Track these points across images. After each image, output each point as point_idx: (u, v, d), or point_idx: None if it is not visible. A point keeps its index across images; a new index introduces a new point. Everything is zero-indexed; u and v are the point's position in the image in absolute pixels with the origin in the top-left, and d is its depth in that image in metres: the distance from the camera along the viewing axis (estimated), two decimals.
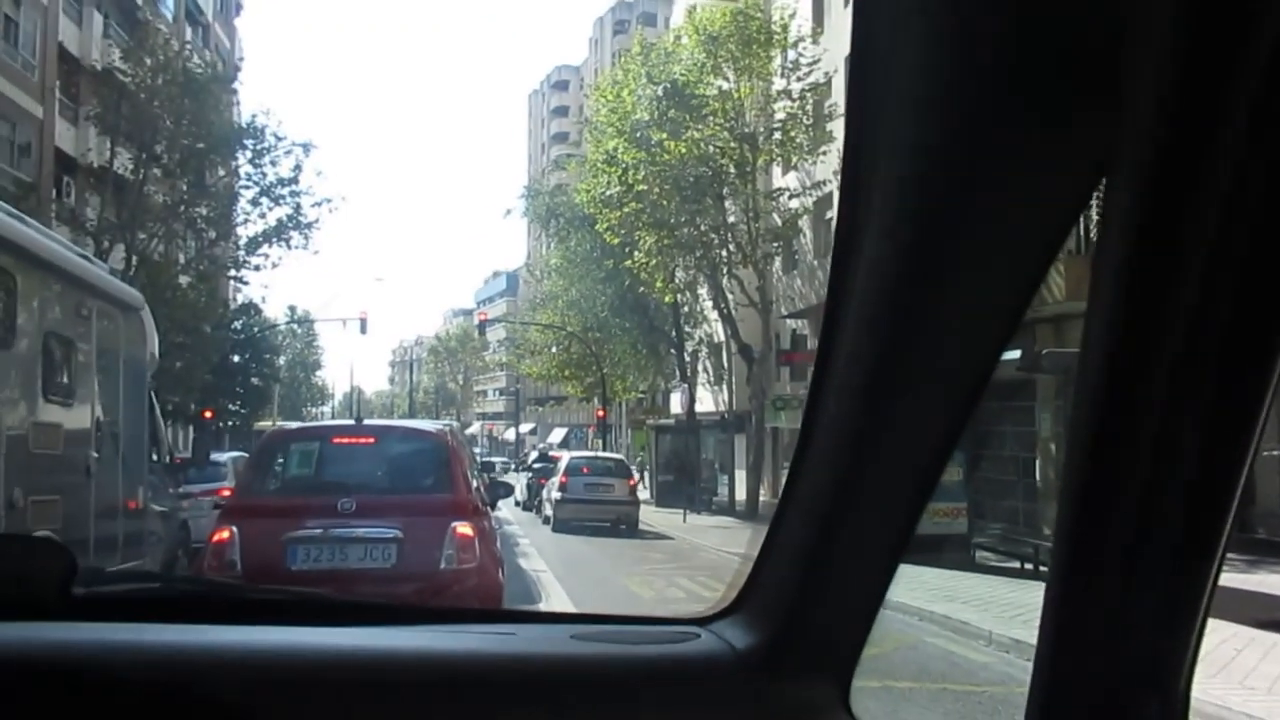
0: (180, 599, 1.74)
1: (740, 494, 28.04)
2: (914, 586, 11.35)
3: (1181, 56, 0.73)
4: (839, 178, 1.09)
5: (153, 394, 9.33)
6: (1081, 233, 1.05)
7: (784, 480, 1.37)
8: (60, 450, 6.88)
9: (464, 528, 6.15)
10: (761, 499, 26.37)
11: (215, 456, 14.43)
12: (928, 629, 9.54)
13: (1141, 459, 0.85)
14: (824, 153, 23.57)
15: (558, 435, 65.58)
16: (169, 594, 1.86)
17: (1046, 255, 0.97)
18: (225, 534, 6.02)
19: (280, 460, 7.05)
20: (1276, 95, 0.70)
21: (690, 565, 15.48)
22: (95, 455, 7.36)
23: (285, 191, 28.46)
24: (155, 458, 9.65)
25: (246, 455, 12.83)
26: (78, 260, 7.30)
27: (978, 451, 14.90)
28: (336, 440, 7.20)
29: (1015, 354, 11.47)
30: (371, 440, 7.12)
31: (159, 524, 9.09)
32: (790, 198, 25.22)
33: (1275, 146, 0.72)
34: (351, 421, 8.29)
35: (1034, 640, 0.95)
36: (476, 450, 40.78)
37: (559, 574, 13.48)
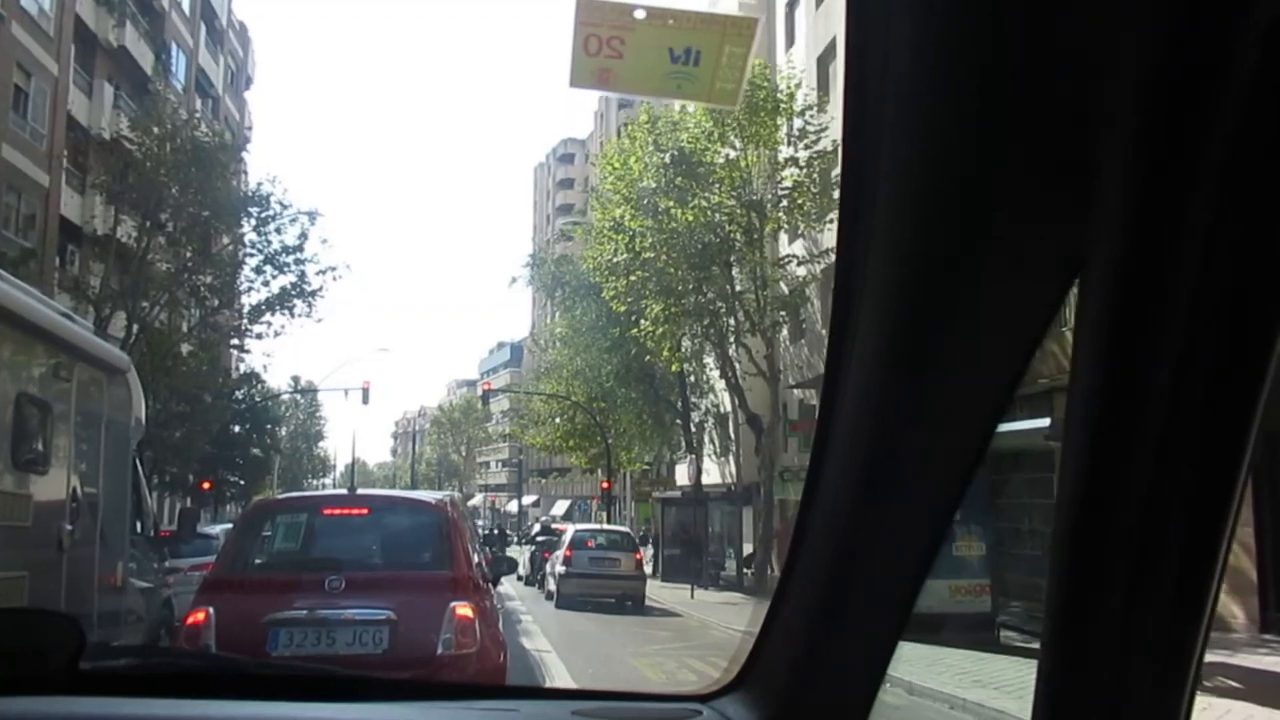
0: (185, 674, 1.75)
1: (748, 567, 27.27)
2: (940, 670, 10.73)
3: (1147, 163, 0.80)
4: (835, 263, 1.14)
5: (138, 462, 8.83)
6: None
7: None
8: (29, 523, 6.38)
9: (464, 608, 5.62)
10: (771, 573, 25.60)
11: (206, 529, 13.85)
12: (961, 719, 8.89)
13: (1125, 536, 0.88)
14: (831, 220, 23.34)
15: (561, 507, 64.69)
16: (174, 669, 1.87)
17: (1034, 335, 1.01)
18: (201, 615, 5.49)
19: (266, 533, 6.54)
20: (1233, 197, 0.78)
21: (701, 644, 14.80)
22: (69, 528, 6.86)
23: (290, 259, 28.36)
24: (139, 530, 9.13)
25: None
26: (57, 319, 6.86)
27: (1001, 525, 14.32)
28: (327, 511, 6.69)
29: (1045, 422, 11.05)
30: (365, 511, 6.61)
31: (139, 602, 8.53)
32: (798, 265, 24.97)
33: (1234, 241, 0.79)
34: (344, 491, 7.79)
35: None
36: (480, 523, 40.02)
37: (563, 654, 12.82)
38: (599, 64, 1.15)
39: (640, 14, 1.14)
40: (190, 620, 5.56)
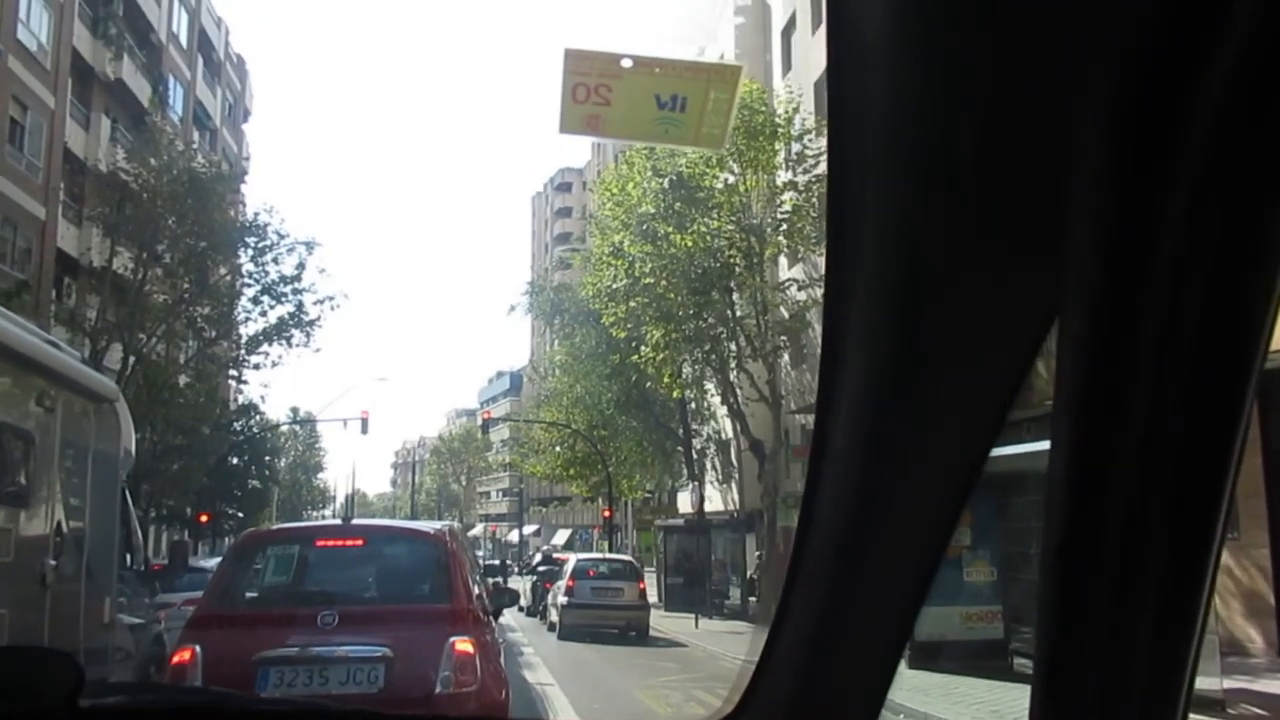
0: (184, 711, 1.76)
1: (751, 595, 26.91)
2: (955, 700, 10.45)
3: (1117, 200, 0.82)
4: (824, 288, 1.17)
5: (127, 494, 8.59)
6: None
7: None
8: (10, 558, 6.13)
9: (464, 643, 5.36)
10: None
11: (199, 562, 13.56)
12: None
13: (1111, 558, 0.88)
14: None
15: (562, 536, 64.17)
16: (172, 705, 1.89)
17: (1022, 361, 1.03)
18: (187, 655, 5.23)
19: (256, 566, 6.29)
20: (1197, 243, 0.80)
21: (707, 675, 14.48)
22: (53, 563, 6.60)
23: (287, 289, 28.22)
24: (129, 564, 8.87)
25: None
26: (40, 346, 6.60)
27: (1010, 549, 14.04)
28: (320, 543, 6.44)
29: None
30: (360, 543, 6.35)
31: (128, 638, 8.25)
32: (799, 289, 24.84)
33: (1199, 286, 0.81)
34: (338, 522, 7.54)
35: None
36: (479, 553, 39.61)
37: (566, 687, 12.51)
38: (587, 111, 1.19)
39: (627, 63, 1.18)
40: (176, 659, 5.30)
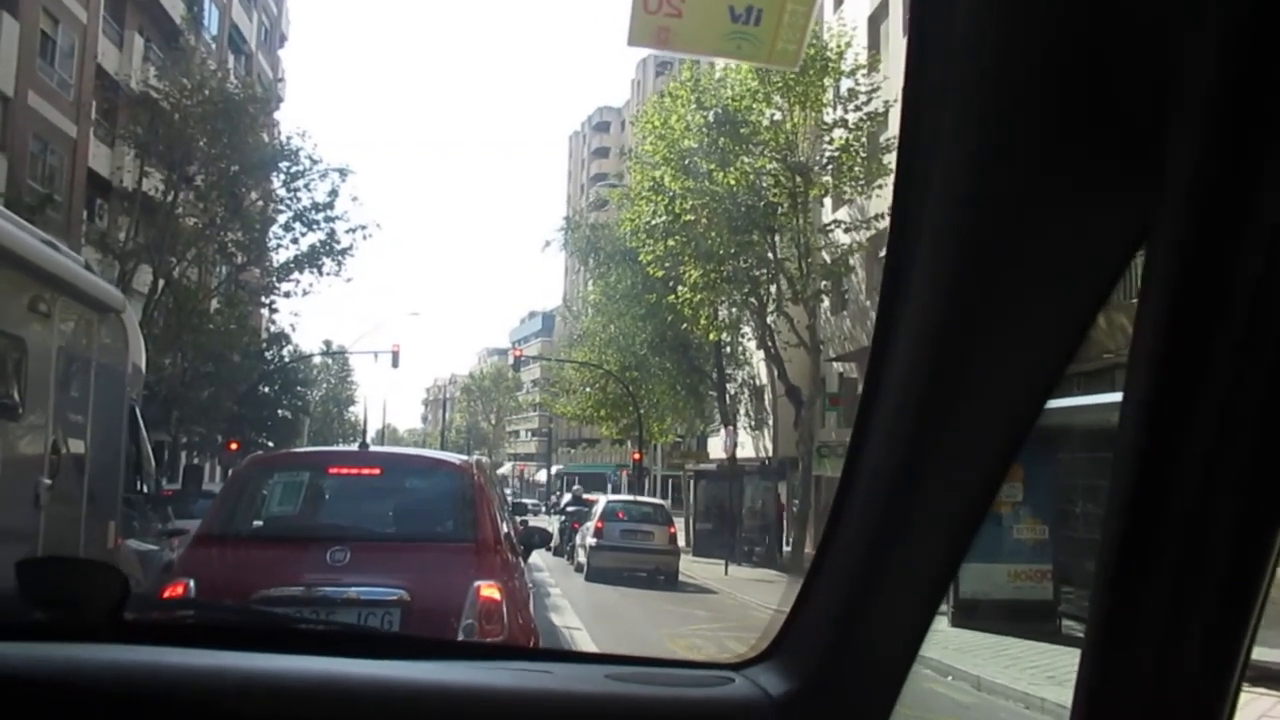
0: (228, 626, 1.85)
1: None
2: (1006, 663, 9.86)
3: (1221, 138, 0.76)
4: (889, 226, 1.11)
5: (138, 413, 8.06)
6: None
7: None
8: None
9: (489, 589, 4.78)
10: (806, 550, 24.77)
11: (214, 489, 13.15)
12: None
13: (1180, 518, 0.85)
14: (880, 186, 22.29)
15: None
16: (217, 621, 2.05)
17: (1091, 308, 0.98)
18: (179, 588, 4.69)
19: (261, 494, 5.72)
20: None
21: (740, 625, 14.04)
22: (48, 483, 6.08)
23: (319, 216, 27.77)
24: (140, 489, 8.39)
25: None
26: (35, 245, 5.98)
27: (1065, 507, 13.35)
28: (333, 470, 5.87)
29: (1109, 398, 10.08)
30: (377, 472, 5.76)
31: (134, 565, 7.78)
32: (844, 232, 23.92)
33: None
34: (353, 448, 6.94)
35: None
36: (507, 490, 39.43)
37: (594, 632, 12.08)
38: (658, 22, 1.13)
39: None
40: (168, 594, 4.76)
